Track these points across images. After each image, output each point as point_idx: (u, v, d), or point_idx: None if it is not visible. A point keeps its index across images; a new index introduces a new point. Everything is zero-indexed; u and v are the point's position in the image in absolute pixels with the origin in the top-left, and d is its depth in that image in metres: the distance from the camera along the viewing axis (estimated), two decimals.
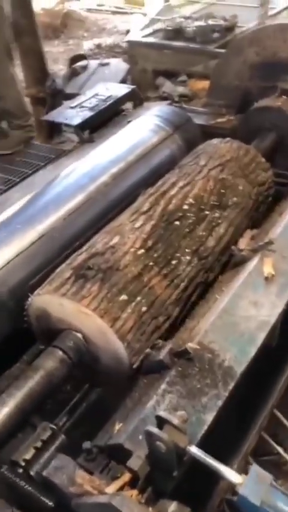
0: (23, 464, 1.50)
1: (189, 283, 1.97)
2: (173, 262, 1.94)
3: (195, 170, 2.32)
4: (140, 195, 2.30)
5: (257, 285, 1.88)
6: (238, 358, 1.64)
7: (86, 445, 1.47)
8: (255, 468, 1.25)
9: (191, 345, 1.61)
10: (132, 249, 1.91)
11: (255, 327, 1.75)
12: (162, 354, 1.61)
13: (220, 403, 1.51)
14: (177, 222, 2.06)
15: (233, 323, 1.75)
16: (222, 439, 1.53)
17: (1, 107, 3.75)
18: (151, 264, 1.90)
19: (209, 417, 1.47)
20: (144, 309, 1.79)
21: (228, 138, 2.63)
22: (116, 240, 1.95)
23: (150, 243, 1.95)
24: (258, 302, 1.82)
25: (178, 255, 1.97)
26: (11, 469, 1.50)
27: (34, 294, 1.88)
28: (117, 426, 1.50)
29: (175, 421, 1.26)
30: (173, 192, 2.20)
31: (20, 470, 1.50)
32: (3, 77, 3.63)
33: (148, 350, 1.70)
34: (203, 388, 1.54)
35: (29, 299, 1.90)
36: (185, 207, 2.12)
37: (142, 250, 1.92)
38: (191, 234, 2.05)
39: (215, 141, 2.60)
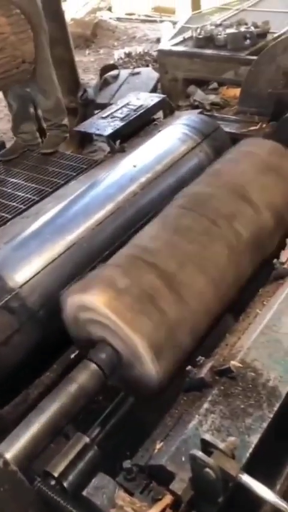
0: (56, 475, 1.49)
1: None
2: None
3: None
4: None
5: None
6: (283, 377, 1.58)
7: (126, 464, 1.43)
8: None
9: (234, 363, 1.56)
10: None
11: None
12: (204, 372, 1.56)
13: (265, 425, 1.46)
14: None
15: (276, 340, 1.69)
16: (263, 458, 1.48)
17: (43, 105, 3.85)
18: None
19: (254, 439, 1.43)
20: (175, 322, 1.77)
21: None
22: None
23: None
24: None
25: None
26: (45, 480, 1.50)
27: (70, 300, 1.87)
28: (158, 445, 1.47)
29: (223, 446, 1.23)
30: None
31: (53, 482, 1.50)
32: (47, 73, 3.72)
33: (189, 367, 1.66)
34: (247, 409, 1.49)
35: (66, 305, 1.90)
36: None
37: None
38: None
39: None
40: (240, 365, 1.58)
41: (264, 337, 1.69)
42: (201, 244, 1.96)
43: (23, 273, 2.09)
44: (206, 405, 1.49)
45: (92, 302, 1.76)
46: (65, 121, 3.93)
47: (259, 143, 2.55)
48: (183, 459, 1.35)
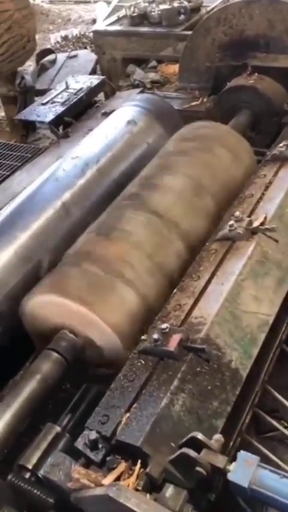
0: (30, 467, 1.49)
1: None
2: None
3: None
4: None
5: (257, 274, 1.83)
6: (243, 360, 1.61)
7: (92, 435, 1.40)
8: (242, 454, 1.26)
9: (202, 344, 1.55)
10: None
11: (257, 325, 1.71)
12: (172, 345, 1.53)
13: (229, 408, 1.49)
14: None
15: (236, 317, 1.70)
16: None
17: None
18: None
19: (220, 423, 1.46)
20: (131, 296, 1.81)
21: None
22: None
23: None
24: (258, 297, 1.77)
25: None
26: (18, 473, 1.50)
27: (24, 298, 1.88)
28: (124, 418, 1.42)
29: (214, 445, 1.26)
30: None
31: (28, 474, 1.50)
32: None
33: (144, 336, 1.64)
34: (213, 390, 1.51)
35: (21, 304, 1.89)
36: None
37: None
38: None
39: None
40: (209, 346, 1.55)
41: (225, 311, 1.69)
42: (128, 207, 2.15)
43: None
44: (176, 382, 1.48)
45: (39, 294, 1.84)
46: None
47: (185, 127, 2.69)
48: (157, 441, 1.35)
